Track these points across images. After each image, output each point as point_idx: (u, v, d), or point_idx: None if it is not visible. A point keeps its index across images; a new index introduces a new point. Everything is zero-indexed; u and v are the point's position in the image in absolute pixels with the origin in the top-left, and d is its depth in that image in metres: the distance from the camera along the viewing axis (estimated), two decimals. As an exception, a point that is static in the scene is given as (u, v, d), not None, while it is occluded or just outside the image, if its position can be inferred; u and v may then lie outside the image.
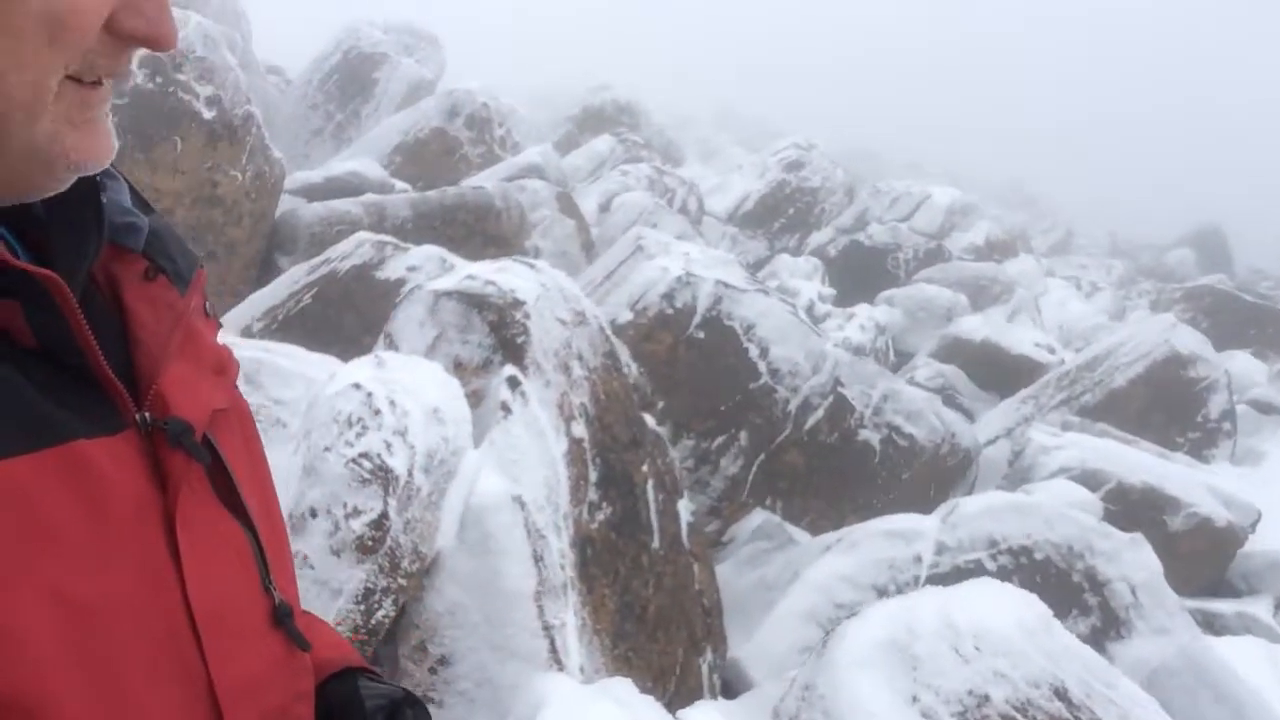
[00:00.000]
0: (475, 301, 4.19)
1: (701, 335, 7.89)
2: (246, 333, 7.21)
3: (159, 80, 7.79)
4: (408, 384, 3.58)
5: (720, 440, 7.83)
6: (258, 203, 8.26)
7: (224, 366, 0.86)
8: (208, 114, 7.88)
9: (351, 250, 7.60)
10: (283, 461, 3.80)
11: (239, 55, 10.77)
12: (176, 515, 0.74)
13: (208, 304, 0.87)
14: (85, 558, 0.66)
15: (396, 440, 3.39)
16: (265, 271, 8.42)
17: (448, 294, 4.24)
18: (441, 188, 9.56)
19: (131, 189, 0.83)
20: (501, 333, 4.13)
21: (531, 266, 4.63)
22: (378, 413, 3.41)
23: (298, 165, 12.60)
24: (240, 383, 3.72)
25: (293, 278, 7.70)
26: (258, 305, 7.53)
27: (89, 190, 0.75)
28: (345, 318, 7.05)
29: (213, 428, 0.80)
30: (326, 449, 3.37)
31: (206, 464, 0.77)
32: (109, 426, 0.71)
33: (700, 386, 7.84)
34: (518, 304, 4.23)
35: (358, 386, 3.47)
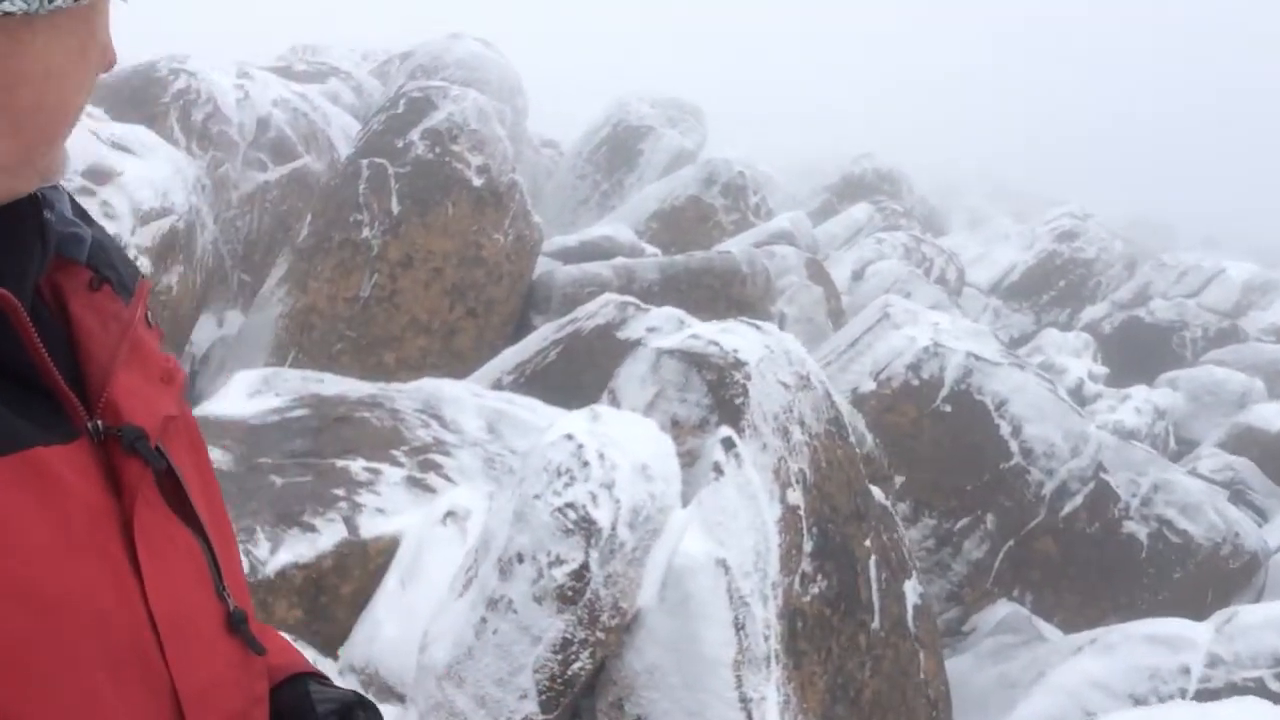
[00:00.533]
0: (695, 360, 4.18)
1: (948, 409, 7.50)
2: (496, 385, 7.59)
3: (437, 150, 8.47)
4: (619, 438, 3.60)
5: (964, 521, 7.37)
6: (516, 264, 8.73)
7: (171, 375, 0.86)
8: (477, 181, 8.46)
9: (597, 310, 7.86)
10: (504, 506, 3.93)
11: (510, 128, 11.55)
12: (134, 521, 0.74)
13: (149, 314, 0.88)
14: (50, 559, 0.67)
15: (602, 493, 3.41)
16: (520, 328, 8.85)
17: (669, 352, 4.26)
18: (690, 252, 9.73)
19: (71, 199, 0.84)
20: (720, 393, 4.09)
21: (757, 328, 4.57)
22: (586, 465, 3.45)
23: (563, 231, 13.27)
24: (483, 431, 3.84)
25: (542, 335, 8.05)
26: (509, 360, 7.92)
27: (31, 203, 0.76)
28: (586, 374, 7.26)
29: (162, 436, 0.80)
30: (535, 497, 3.43)
31: (161, 469, 0.78)
32: (63, 435, 0.72)
33: (945, 463, 7.44)
34: (739, 364, 4.18)
35: (570, 437, 3.53)
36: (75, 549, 0.69)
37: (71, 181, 7.19)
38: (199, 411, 6.35)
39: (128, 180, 7.59)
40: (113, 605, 0.71)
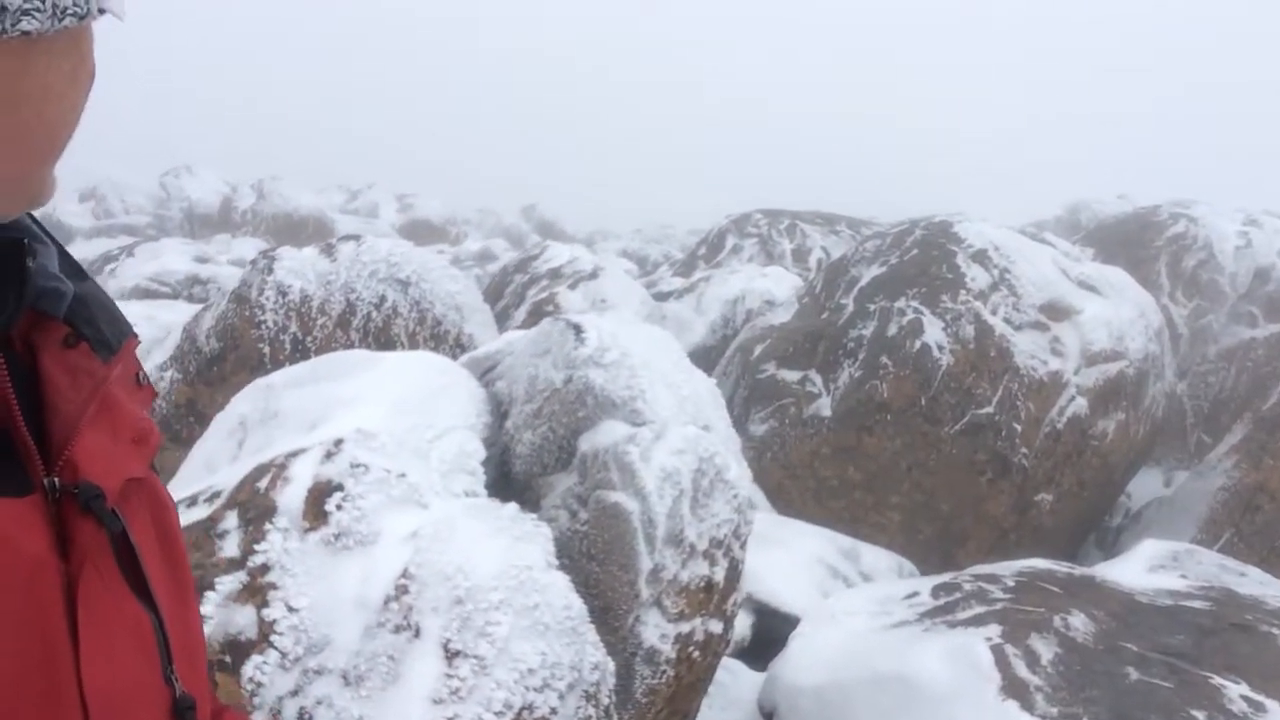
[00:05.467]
0: None
1: None
2: None
3: None
4: None
5: None
6: None
7: (144, 437, 0.83)
8: None
9: None
10: None
11: None
12: (79, 586, 0.71)
13: (140, 373, 0.87)
14: None
15: None
16: None
17: None
18: None
19: (62, 253, 0.82)
20: None
21: None
22: None
23: None
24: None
25: None
26: None
27: (11, 249, 0.75)
28: None
29: (122, 499, 0.78)
30: None
31: (116, 531, 0.75)
32: (13, 488, 0.69)
33: None
34: None
35: None
36: (5, 611, 0.65)
37: (1025, 314, 7.34)
38: (1098, 571, 5.84)
39: (1084, 319, 7.45)
40: (38, 678, 0.66)
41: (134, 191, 26.93)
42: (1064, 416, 7.36)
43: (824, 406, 7.46)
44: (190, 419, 6.58)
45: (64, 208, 25.58)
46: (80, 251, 19.78)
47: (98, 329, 0.82)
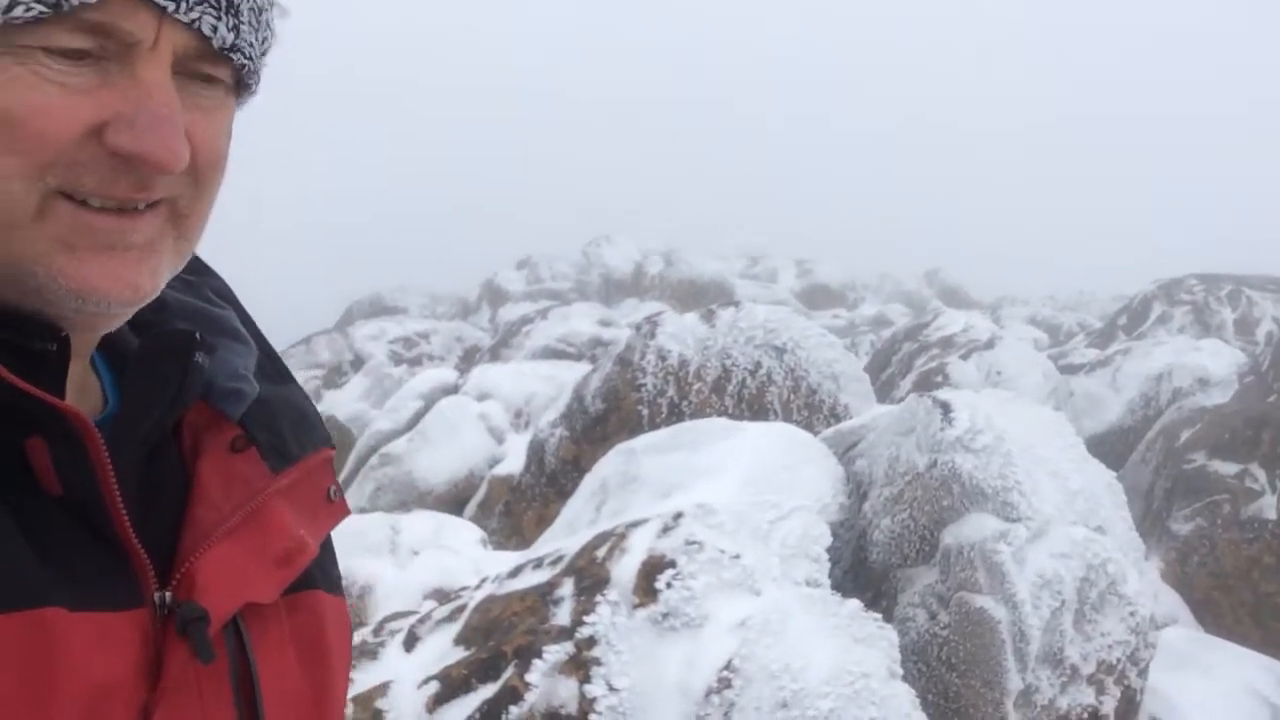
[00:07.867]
0: None
1: None
2: None
3: None
4: None
5: None
6: None
7: (290, 558, 0.74)
8: None
9: None
10: None
11: None
12: (154, 716, 0.63)
13: (333, 488, 0.79)
14: None
15: None
16: None
17: None
18: None
19: (268, 356, 0.80)
20: None
21: None
22: None
23: None
24: None
25: None
26: None
27: (183, 344, 0.71)
28: None
29: (256, 620, 0.70)
30: None
31: (209, 660, 0.66)
32: (117, 600, 0.63)
33: None
34: None
35: None
36: None
37: None
38: None
39: None
40: None
41: (561, 260, 29.76)
42: None
43: (1267, 507, 6.29)
44: (575, 474, 6.94)
45: (503, 274, 28.96)
46: (509, 314, 22.13)
47: (278, 435, 0.77)
